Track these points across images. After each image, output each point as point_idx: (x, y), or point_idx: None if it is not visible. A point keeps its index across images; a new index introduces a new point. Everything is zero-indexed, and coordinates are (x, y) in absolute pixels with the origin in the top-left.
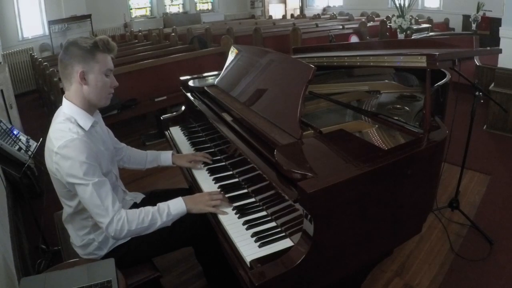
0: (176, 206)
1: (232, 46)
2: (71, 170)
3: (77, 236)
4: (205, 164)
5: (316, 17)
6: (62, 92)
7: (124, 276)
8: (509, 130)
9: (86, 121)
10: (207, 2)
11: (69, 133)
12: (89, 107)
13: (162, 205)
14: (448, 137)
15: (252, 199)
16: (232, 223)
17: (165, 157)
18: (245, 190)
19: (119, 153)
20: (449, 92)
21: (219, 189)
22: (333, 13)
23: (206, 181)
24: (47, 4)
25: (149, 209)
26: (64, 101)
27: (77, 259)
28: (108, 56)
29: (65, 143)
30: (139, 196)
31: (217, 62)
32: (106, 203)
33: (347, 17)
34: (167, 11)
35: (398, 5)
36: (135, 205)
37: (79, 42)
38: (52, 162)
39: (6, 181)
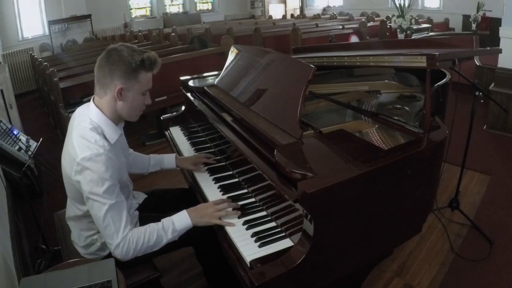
0: (181, 222)
1: (232, 46)
2: (92, 186)
3: (80, 235)
4: (205, 164)
5: (316, 17)
6: (63, 91)
7: (124, 276)
8: (509, 130)
9: (113, 133)
10: (207, 2)
11: (95, 146)
12: (117, 119)
13: (166, 222)
14: (448, 137)
15: (252, 199)
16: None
17: (168, 160)
18: (245, 190)
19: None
20: (449, 92)
21: (221, 192)
22: (333, 13)
23: (206, 182)
24: (47, 4)
25: (154, 227)
26: (93, 106)
27: (77, 259)
28: (150, 74)
29: (90, 156)
30: (141, 196)
31: (217, 62)
32: (117, 226)
33: (347, 17)
34: (167, 11)
35: (398, 5)
36: (138, 206)
37: (126, 56)
38: (72, 170)
39: (6, 181)
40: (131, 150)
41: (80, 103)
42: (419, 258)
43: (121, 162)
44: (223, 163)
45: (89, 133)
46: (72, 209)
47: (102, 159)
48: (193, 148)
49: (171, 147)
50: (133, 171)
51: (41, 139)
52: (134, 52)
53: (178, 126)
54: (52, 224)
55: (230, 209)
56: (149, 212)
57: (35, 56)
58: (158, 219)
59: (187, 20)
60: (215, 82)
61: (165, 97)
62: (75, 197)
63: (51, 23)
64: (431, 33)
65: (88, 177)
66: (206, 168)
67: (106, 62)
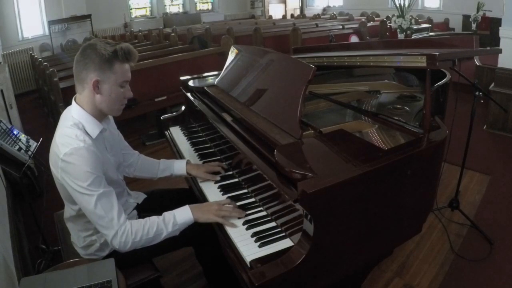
0: (182, 216)
1: (232, 46)
2: (76, 180)
3: (79, 236)
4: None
5: (316, 17)
6: (63, 91)
7: (124, 276)
8: (509, 130)
9: (94, 128)
10: (207, 2)
11: (76, 141)
12: (99, 114)
13: (167, 215)
14: (448, 137)
15: (252, 199)
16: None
17: (179, 166)
18: (245, 190)
19: (128, 158)
20: (449, 92)
21: (221, 192)
22: (333, 13)
23: (207, 182)
24: (47, 4)
25: (154, 219)
26: (74, 104)
27: (77, 259)
28: (127, 65)
29: (71, 151)
30: (140, 196)
31: (217, 62)
32: (110, 215)
33: (347, 17)
34: (167, 11)
35: (398, 5)
36: (137, 206)
37: (98, 48)
38: (57, 167)
39: (6, 181)
40: (135, 152)
41: None
42: (419, 258)
43: (105, 158)
44: (223, 163)
45: (70, 130)
46: (67, 210)
47: (83, 153)
48: (193, 148)
49: (171, 147)
50: (141, 175)
51: (41, 139)
52: (107, 45)
53: (178, 126)
54: (52, 224)
55: (234, 210)
56: (149, 212)
57: (35, 56)
58: None
59: (187, 20)
60: (215, 82)
61: (165, 97)
62: (66, 197)
63: (51, 23)
64: (431, 33)
65: (72, 173)
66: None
67: (81, 57)
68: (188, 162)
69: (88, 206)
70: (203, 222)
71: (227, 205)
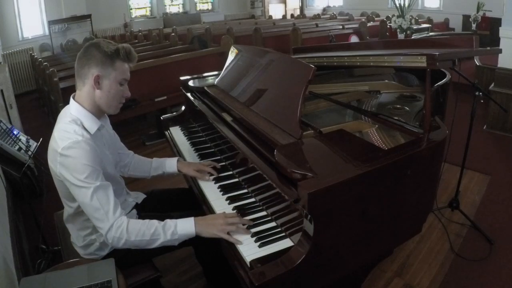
0: (184, 227)
1: (232, 46)
2: (74, 173)
3: (78, 236)
4: (210, 174)
5: (316, 17)
6: (63, 91)
7: (124, 276)
8: (509, 130)
9: (92, 124)
10: (207, 2)
11: (74, 135)
12: (97, 111)
13: (169, 222)
14: (448, 137)
15: (252, 199)
16: None
17: (170, 164)
18: (245, 190)
19: (123, 158)
20: (449, 92)
21: (221, 192)
22: (333, 13)
23: (206, 182)
24: (47, 4)
25: (154, 223)
26: (72, 102)
27: (77, 259)
28: (127, 65)
29: (70, 144)
30: (140, 196)
31: (217, 62)
32: (106, 208)
33: (347, 17)
34: (167, 11)
35: (398, 5)
36: (136, 206)
37: (101, 45)
38: (56, 162)
39: (6, 181)
40: (129, 152)
41: None
42: (419, 258)
43: (103, 153)
44: (223, 163)
45: (68, 125)
46: (66, 210)
47: (81, 146)
48: (193, 148)
49: (171, 147)
50: (135, 174)
51: (41, 139)
52: (109, 43)
53: (178, 126)
54: (52, 224)
55: (241, 225)
56: (149, 212)
57: (35, 56)
58: (157, 219)
59: (187, 20)
60: (215, 82)
61: (165, 97)
62: (64, 194)
63: (51, 23)
64: (431, 33)
65: (70, 166)
66: (212, 178)
67: (84, 54)
68: (179, 160)
69: (84, 199)
70: (206, 237)
71: (234, 218)
